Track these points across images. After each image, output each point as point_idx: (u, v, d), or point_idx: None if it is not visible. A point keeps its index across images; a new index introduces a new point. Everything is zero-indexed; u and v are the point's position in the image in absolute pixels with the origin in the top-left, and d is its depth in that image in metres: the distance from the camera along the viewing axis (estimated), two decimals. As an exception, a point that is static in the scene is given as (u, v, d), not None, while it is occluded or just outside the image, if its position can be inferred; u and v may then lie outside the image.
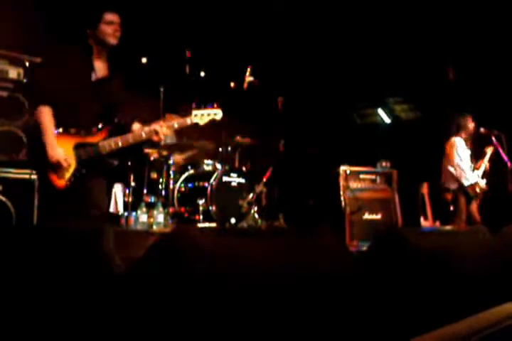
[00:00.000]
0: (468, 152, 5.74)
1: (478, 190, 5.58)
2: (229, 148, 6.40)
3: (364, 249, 6.10)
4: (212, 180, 5.63)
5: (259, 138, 6.65)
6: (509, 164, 5.62)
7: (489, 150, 5.76)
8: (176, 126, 3.62)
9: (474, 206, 5.66)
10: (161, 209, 5.35)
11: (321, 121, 8.51)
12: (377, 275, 2.40)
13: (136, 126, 3.57)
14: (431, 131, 6.98)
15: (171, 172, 5.80)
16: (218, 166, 6.14)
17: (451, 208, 5.75)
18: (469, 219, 5.58)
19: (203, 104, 3.80)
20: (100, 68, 3.49)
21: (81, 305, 1.57)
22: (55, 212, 3.31)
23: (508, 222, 3.48)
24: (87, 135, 3.39)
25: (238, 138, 6.31)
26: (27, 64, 4.54)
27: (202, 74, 6.44)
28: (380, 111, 9.23)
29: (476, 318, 2.39)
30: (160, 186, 5.68)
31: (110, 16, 3.39)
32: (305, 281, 1.79)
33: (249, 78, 5.98)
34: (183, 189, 5.86)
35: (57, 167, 3.25)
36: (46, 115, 3.26)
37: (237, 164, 6.49)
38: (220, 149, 6.34)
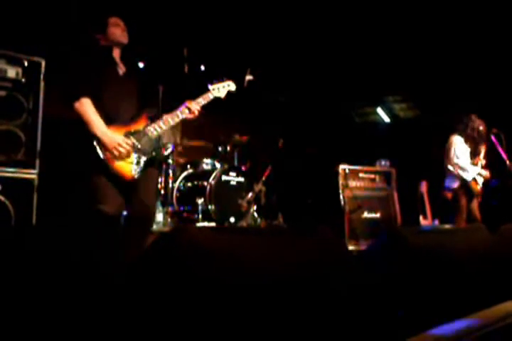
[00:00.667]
0: (468, 149, 5.74)
1: (477, 185, 5.58)
2: (228, 147, 6.41)
3: (363, 247, 6.11)
4: (211, 179, 5.63)
5: (258, 136, 6.66)
6: (508, 163, 5.61)
7: (483, 148, 5.76)
8: (202, 101, 3.72)
9: (475, 204, 5.65)
10: (160, 208, 5.36)
11: (320, 120, 8.52)
12: (377, 273, 2.40)
13: (165, 115, 3.60)
14: (430, 130, 6.99)
15: (169, 171, 5.80)
16: (217, 165, 6.14)
17: (452, 207, 5.75)
18: (469, 217, 5.58)
19: (215, 79, 3.88)
20: (120, 65, 3.57)
21: (81, 304, 1.58)
22: (119, 204, 3.31)
23: (506, 221, 3.49)
24: (129, 123, 3.41)
25: (237, 136, 6.32)
26: (26, 63, 4.54)
27: (202, 67, 6.45)
28: (379, 110, 9.24)
29: (474, 317, 2.40)
30: (159, 185, 5.68)
31: (114, 19, 3.53)
32: (304, 280, 1.79)
33: (248, 77, 5.98)
34: (182, 188, 5.86)
35: (119, 154, 3.24)
36: (88, 106, 3.24)
37: (236, 163, 6.50)
38: (219, 148, 6.35)
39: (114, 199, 3.27)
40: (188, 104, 3.61)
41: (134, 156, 3.33)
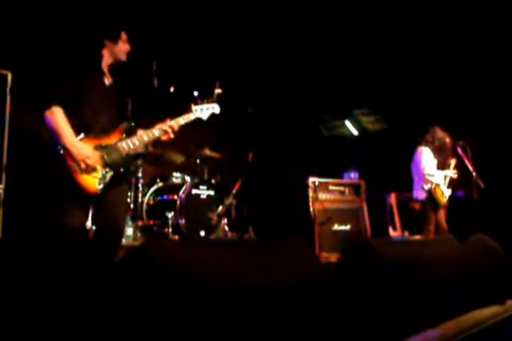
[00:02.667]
0: (435, 161, 5.82)
1: (442, 196, 5.65)
2: (198, 161, 6.38)
3: (333, 260, 6.12)
4: (181, 193, 5.59)
5: (228, 150, 6.65)
6: (474, 174, 5.71)
7: (453, 162, 5.86)
8: (182, 122, 3.67)
9: (442, 215, 5.73)
10: (130, 222, 5.30)
11: (289, 133, 8.55)
12: (347, 285, 2.40)
13: (140, 131, 3.56)
14: (397, 142, 7.08)
15: (139, 185, 5.74)
16: (187, 179, 6.11)
17: (420, 218, 5.81)
18: (437, 228, 5.64)
19: (199, 99, 3.86)
20: (107, 76, 3.54)
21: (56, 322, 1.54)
22: (82, 217, 3.25)
23: (474, 231, 3.54)
24: (102, 137, 3.34)
25: (207, 150, 6.30)
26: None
27: (171, 89, 6.43)
28: (348, 123, 9.32)
29: (443, 327, 2.42)
30: (128, 199, 5.61)
31: (125, 36, 3.55)
32: (276, 292, 1.78)
33: (217, 90, 5.98)
34: (151, 202, 5.80)
35: (87, 167, 3.18)
36: (59, 115, 3.17)
37: (206, 176, 6.47)
38: (189, 162, 6.32)
39: (78, 212, 3.22)
40: (166, 122, 3.58)
41: (100, 170, 3.27)
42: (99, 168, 3.25)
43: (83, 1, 5.42)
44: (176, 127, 3.60)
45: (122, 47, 3.53)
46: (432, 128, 5.88)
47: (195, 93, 6.75)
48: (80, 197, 3.21)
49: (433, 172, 5.69)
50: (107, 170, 3.29)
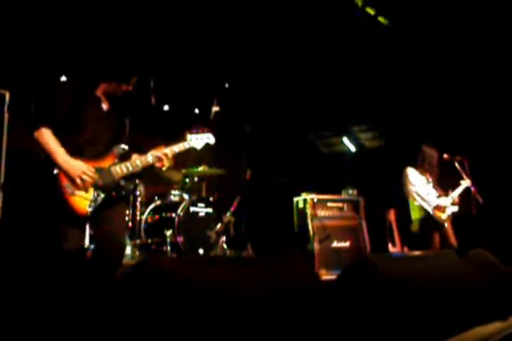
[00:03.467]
0: (425, 181, 5.78)
1: (442, 214, 5.61)
2: (195, 179, 6.38)
3: (333, 277, 6.07)
4: (179, 211, 5.58)
5: (226, 168, 6.65)
6: (473, 189, 5.70)
7: (464, 183, 5.77)
8: (176, 150, 3.69)
9: (449, 231, 5.66)
10: (128, 241, 5.27)
11: (287, 151, 8.57)
12: (348, 301, 2.38)
13: (134, 156, 3.57)
14: (396, 159, 7.09)
15: (137, 203, 5.72)
16: (185, 197, 6.10)
17: (422, 239, 5.76)
18: (444, 245, 5.57)
19: (195, 129, 3.88)
20: (104, 100, 3.54)
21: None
22: (77, 239, 3.21)
23: (473, 246, 3.52)
24: (95, 159, 3.34)
25: (204, 168, 6.30)
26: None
27: (166, 107, 6.46)
28: (345, 140, 9.35)
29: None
30: (126, 217, 5.59)
31: (135, 79, 3.54)
32: (276, 308, 1.77)
33: (215, 108, 6.02)
34: (150, 220, 5.78)
35: (82, 183, 3.17)
36: (48, 135, 3.18)
37: (204, 194, 6.46)
38: (187, 179, 6.31)
39: (72, 234, 3.20)
40: (161, 149, 3.59)
41: (92, 192, 3.26)
42: (90, 190, 3.25)
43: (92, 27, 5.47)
44: (169, 155, 3.62)
45: (125, 88, 3.53)
46: (419, 149, 5.85)
47: (196, 110, 6.80)
48: (72, 219, 3.19)
49: (424, 196, 5.64)
50: (99, 192, 3.29)
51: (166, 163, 3.63)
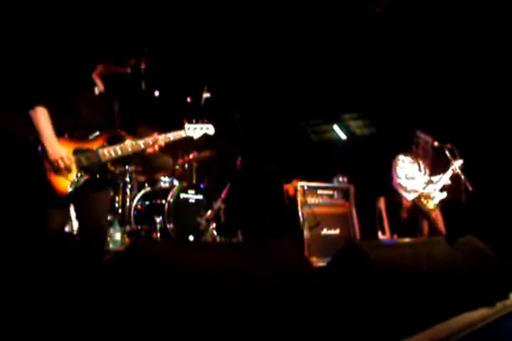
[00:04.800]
0: (416, 168, 5.80)
1: (428, 203, 5.63)
2: (186, 165, 6.35)
3: (323, 264, 6.10)
4: (169, 197, 5.56)
5: (216, 155, 6.63)
6: (462, 177, 5.71)
7: (455, 163, 5.77)
8: (171, 138, 3.69)
9: (438, 216, 5.69)
10: (117, 227, 5.26)
11: (277, 138, 8.55)
12: (338, 287, 2.39)
13: (127, 140, 3.55)
14: (386, 146, 7.10)
15: (127, 189, 5.70)
16: (176, 183, 6.07)
17: (410, 225, 5.80)
18: (433, 231, 5.61)
19: (194, 119, 3.86)
20: (99, 85, 3.54)
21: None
22: (55, 219, 3.21)
23: (463, 233, 3.55)
24: (84, 140, 3.34)
25: (195, 153, 6.28)
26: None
27: (156, 93, 6.42)
28: (336, 128, 9.34)
29: (432, 330, 2.41)
30: (116, 204, 5.57)
31: (133, 61, 3.56)
32: (266, 293, 1.77)
33: (205, 94, 5.98)
34: (139, 207, 5.76)
35: (59, 168, 3.16)
36: (42, 115, 3.20)
37: (194, 181, 6.44)
38: (177, 166, 6.29)
39: (53, 215, 3.21)
40: (154, 136, 3.59)
41: (75, 174, 3.26)
42: (74, 170, 3.24)
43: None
44: (162, 143, 3.63)
45: (122, 70, 3.54)
46: (413, 134, 5.86)
47: (188, 99, 6.76)
48: (52, 198, 3.20)
49: (408, 187, 5.67)
50: (82, 173, 3.28)
51: (157, 149, 3.62)
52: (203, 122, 3.90)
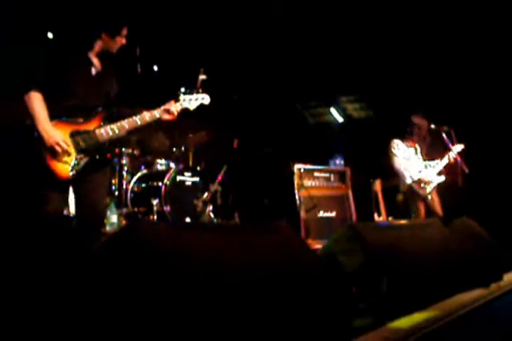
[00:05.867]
0: (412, 152, 5.80)
1: (425, 188, 5.63)
2: (182, 148, 6.34)
3: (319, 246, 6.13)
4: (166, 180, 5.56)
5: (213, 136, 6.62)
6: (459, 159, 5.71)
7: (455, 148, 5.75)
8: (172, 108, 3.63)
9: (435, 198, 5.70)
10: (114, 209, 5.26)
11: (274, 120, 8.53)
12: (334, 269, 2.40)
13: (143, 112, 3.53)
14: (383, 129, 7.09)
15: (123, 172, 5.69)
16: (172, 165, 6.07)
17: (405, 208, 5.81)
18: (429, 213, 5.63)
19: (189, 89, 3.79)
20: (96, 64, 3.49)
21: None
22: (55, 203, 3.20)
23: (459, 215, 3.56)
24: (81, 122, 3.31)
25: (191, 136, 6.27)
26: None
27: (155, 67, 6.37)
28: (333, 111, 9.32)
29: (428, 310, 2.43)
30: (113, 186, 5.56)
31: (125, 31, 3.48)
32: (263, 276, 1.77)
33: (202, 76, 5.93)
34: (136, 189, 5.76)
35: (57, 152, 3.15)
36: (36, 100, 3.16)
37: (191, 163, 6.43)
38: (174, 148, 6.27)
39: (54, 198, 3.20)
40: (151, 112, 3.54)
41: (74, 156, 3.24)
42: (73, 153, 3.23)
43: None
44: (158, 115, 3.59)
45: (118, 42, 3.48)
46: (410, 118, 5.83)
47: (182, 89, 6.69)
48: (53, 183, 3.19)
49: (406, 169, 5.66)
50: (82, 156, 3.26)
51: (176, 114, 3.58)
52: (197, 92, 3.81)
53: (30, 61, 3.37)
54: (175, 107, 3.60)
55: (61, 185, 3.25)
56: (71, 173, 3.21)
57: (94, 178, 3.36)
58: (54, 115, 3.20)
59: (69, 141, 3.22)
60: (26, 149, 3.22)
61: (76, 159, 3.24)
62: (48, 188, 3.20)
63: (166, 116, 3.59)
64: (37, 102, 3.16)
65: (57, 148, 3.15)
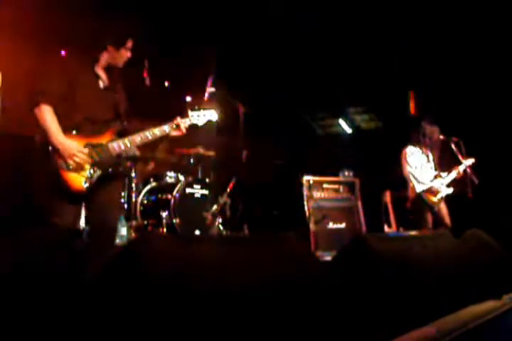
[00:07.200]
0: (425, 159, 5.77)
1: (434, 197, 5.61)
2: (191, 160, 6.35)
3: (329, 258, 6.09)
4: (175, 192, 5.56)
5: (221, 149, 6.62)
6: (468, 170, 5.68)
7: (466, 162, 5.72)
8: (187, 123, 3.72)
9: (443, 210, 5.67)
10: (123, 222, 5.27)
11: (283, 132, 8.54)
12: (344, 281, 2.39)
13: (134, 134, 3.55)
14: (392, 140, 7.08)
15: (133, 184, 5.70)
16: (181, 178, 6.07)
17: (413, 216, 5.78)
18: (437, 224, 5.59)
19: (197, 106, 3.83)
20: (103, 78, 3.53)
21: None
22: (72, 216, 3.24)
23: (469, 226, 3.53)
24: (93, 135, 3.34)
25: (200, 149, 6.27)
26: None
27: (166, 84, 6.40)
28: (341, 122, 9.32)
29: (438, 323, 2.41)
30: (122, 199, 5.57)
31: (131, 43, 3.53)
32: (271, 288, 1.76)
33: (210, 89, 5.96)
34: (145, 202, 5.77)
35: (72, 164, 3.17)
36: (47, 113, 3.18)
37: (200, 175, 6.44)
38: (183, 161, 6.29)
39: (68, 211, 3.21)
40: (160, 127, 3.58)
41: (88, 169, 3.26)
42: (87, 166, 3.24)
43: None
44: (186, 125, 3.64)
45: (123, 55, 3.52)
46: (419, 126, 5.81)
47: (188, 98, 6.74)
48: (67, 196, 3.20)
49: (419, 177, 5.63)
50: (95, 169, 3.28)
51: (184, 131, 3.63)
52: (205, 108, 3.85)
53: (40, 75, 3.39)
54: (183, 123, 3.63)
55: (75, 198, 3.26)
56: (85, 185, 3.22)
57: (107, 192, 3.37)
58: (65, 129, 3.21)
59: (85, 150, 3.24)
60: (40, 162, 3.24)
61: (89, 172, 3.26)
62: (62, 201, 3.20)
63: (174, 132, 3.63)
64: (48, 115, 3.18)
65: (74, 159, 3.17)
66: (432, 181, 5.67)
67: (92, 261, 3.15)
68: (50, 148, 3.16)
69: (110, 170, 3.37)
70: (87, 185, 3.23)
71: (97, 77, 3.49)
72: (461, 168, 5.71)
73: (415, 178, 5.63)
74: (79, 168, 3.21)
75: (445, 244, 2.99)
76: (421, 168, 5.69)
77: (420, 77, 7.26)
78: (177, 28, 6.38)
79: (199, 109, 3.82)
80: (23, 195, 4.52)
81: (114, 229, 3.64)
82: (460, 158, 5.72)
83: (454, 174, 5.72)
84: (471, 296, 2.81)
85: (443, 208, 5.68)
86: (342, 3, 6.26)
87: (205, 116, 3.84)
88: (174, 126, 3.60)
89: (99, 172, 3.29)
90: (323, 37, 6.93)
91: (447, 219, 5.65)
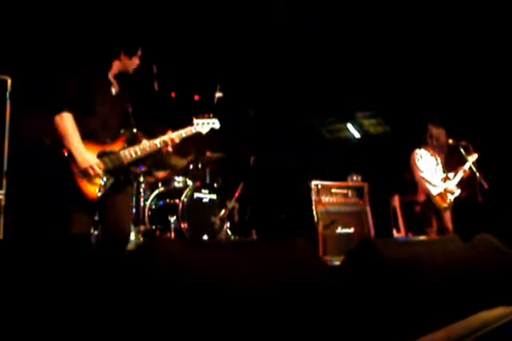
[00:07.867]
0: (434, 162, 5.75)
1: (444, 202, 5.58)
2: (199, 165, 6.36)
3: (337, 263, 6.07)
4: (183, 197, 5.57)
5: (229, 153, 6.63)
6: (477, 174, 5.66)
7: (470, 158, 5.69)
8: (184, 134, 3.70)
9: (448, 216, 5.66)
10: (132, 227, 5.27)
11: (291, 137, 8.54)
12: (352, 286, 2.37)
13: (144, 141, 3.58)
14: (400, 144, 7.06)
15: (141, 190, 5.71)
16: (189, 183, 6.08)
17: (421, 220, 5.76)
18: (441, 230, 5.58)
19: (200, 114, 3.87)
20: (115, 84, 3.58)
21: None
22: (81, 225, 3.25)
23: (478, 231, 3.51)
24: (106, 143, 3.37)
25: (208, 153, 6.28)
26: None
27: (172, 94, 6.43)
28: (350, 126, 9.31)
29: (447, 329, 2.39)
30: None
31: (141, 52, 3.60)
32: (279, 294, 1.76)
33: (218, 94, 5.98)
34: (153, 207, 5.78)
35: (88, 174, 3.19)
36: (68, 120, 3.21)
37: (208, 180, 6.44)
38: (191, 166, 6.30)
39: (81, 219, 3.23)
40: (168, 134, 3.60)
41: (102, 178, 3.28)
42: (102, 175, 3.27)
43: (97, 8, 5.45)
44: (177, 140, 3.64)
45: (134, 63, 3.59)
46: (431, 127, 5.78)
47: (196, 97, 6.78)
48: (82, 204, 3.21)
49: (432, 180, 5.60)
50: (108, 177, 3.30)
51: (170, 148, 3.63)
52: (208, 117, 3.90)
53: (60, 82, 3.41)
54: (171, 139, 3.61)
55: (89, 207, 3.27)
56: (99, 194, 3.25)
57: (119, 199, 3.39)
58: (81, 137, 3.24)
59: (100, 163, 3.26)
60: (57, 167, 3.25)
61: (103, 180, 3.28)
62: (76, 209, 3.22)
63: (165, 148, 3.63)
64: (69, 123, 3.20)
65: (91, 172, 3.19)
66: (445, 182, 5.65)
67: (104, 267, 3.15)
68: (66, 155, 3.18)
69: (122, 177, 3.40)
70: (100, 193, 3.25)
71: (110, 83, 3.53)
72: (466, 166, 5.69)
73: (429, 182, 5.59)
74: (93, 178, 3.23)
75: (454, 249, 2.97)
76: (431, 171, 5.67)
77: (429, 80, 7.24)
78: (181, 33, 6.39)
79: (203, 117, 3.87)
80: (39, 202, 4.54)
81: (128, 236, 3.66)
82: (468, 158, 5.69)
83: (460, 173, 5.71)
84: (481, 302, 2.78)
85: (447, 213, 5.66)
86: (350, 5, 6.25)
87: (208, 124, 3.88)
88: (167, 141, 3.59)
89: (111, 180, 3.32)
90: (332, 41, 6.93)
91: (449, 224, 5.63)
